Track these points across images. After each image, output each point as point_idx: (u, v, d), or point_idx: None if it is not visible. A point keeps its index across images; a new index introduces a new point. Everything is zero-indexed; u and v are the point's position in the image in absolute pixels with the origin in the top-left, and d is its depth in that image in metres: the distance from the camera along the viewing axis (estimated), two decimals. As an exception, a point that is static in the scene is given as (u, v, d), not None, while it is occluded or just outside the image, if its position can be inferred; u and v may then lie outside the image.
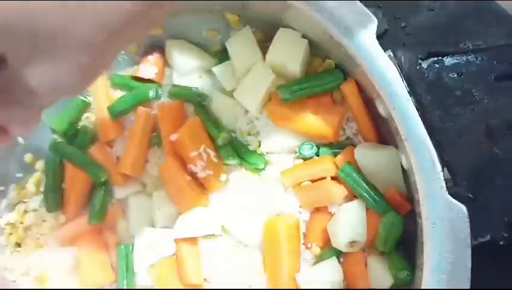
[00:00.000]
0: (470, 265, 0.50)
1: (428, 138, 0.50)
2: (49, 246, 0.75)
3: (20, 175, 0.78)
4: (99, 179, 0.73)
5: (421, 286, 0.51)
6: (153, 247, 0.72)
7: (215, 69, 0.75)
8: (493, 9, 0.65)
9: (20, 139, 0.76)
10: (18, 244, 0.76)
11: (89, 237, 0.74)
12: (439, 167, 0.50)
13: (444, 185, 0.49)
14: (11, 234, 0.76)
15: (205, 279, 0.72)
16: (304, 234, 0.71)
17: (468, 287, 0.50)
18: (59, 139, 0.77)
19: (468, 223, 0.50)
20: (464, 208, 0.49)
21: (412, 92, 0.55)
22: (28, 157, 0.78)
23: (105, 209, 0.73)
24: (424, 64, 0.59)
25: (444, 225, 0.49)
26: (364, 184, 0.64)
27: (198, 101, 0.75)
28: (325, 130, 0.68)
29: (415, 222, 0.58)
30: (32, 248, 0.75)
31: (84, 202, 0.76)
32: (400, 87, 0.52)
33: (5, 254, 0.76)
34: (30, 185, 0.77)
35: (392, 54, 0.58)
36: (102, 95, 0.76)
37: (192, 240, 0.72)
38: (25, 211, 0.77)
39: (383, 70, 0.53)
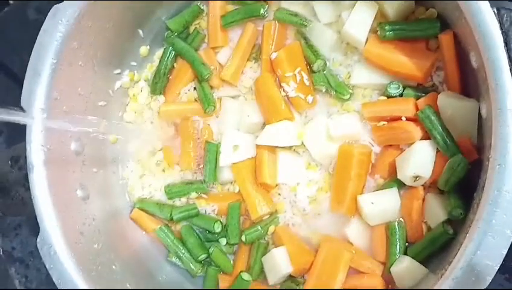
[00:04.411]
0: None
1: (513, 89, 0.56)
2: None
3: (134, 64, 0.88)
4: (203, 76, 0.83)
5: (476, 216, 0.57)
6: (237, 148, 0.82)
7: (315, 3, 0.80)
8: None
9: (140, 32, 0.86)
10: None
11: (185, 124, 0.85)
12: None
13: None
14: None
15: (277, 184, 0.81)
16: (372, 165, 0.78)
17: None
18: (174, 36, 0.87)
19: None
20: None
21: (507, 48, 0.59)
22: (142, 49, 0.88)
23: (213, 99, 0.84)
24: (523, 26, 0.63)
25: (509, 166, 0.55)
26: (440, 127, 0.69)
27: (301, 25, 0.81)
28: (416, 71, 0.73)
29: (479, 171, 0.64)
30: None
31: (181, 92, 0.87)
32: (498, 41, 0.57)
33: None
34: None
35: (496, 11, 0.62)
36: (218, 4, 0.85)
37: (272, 149, 0.81)
38: (134, 95, 0.89)
39: (486, 22, 0.58)
